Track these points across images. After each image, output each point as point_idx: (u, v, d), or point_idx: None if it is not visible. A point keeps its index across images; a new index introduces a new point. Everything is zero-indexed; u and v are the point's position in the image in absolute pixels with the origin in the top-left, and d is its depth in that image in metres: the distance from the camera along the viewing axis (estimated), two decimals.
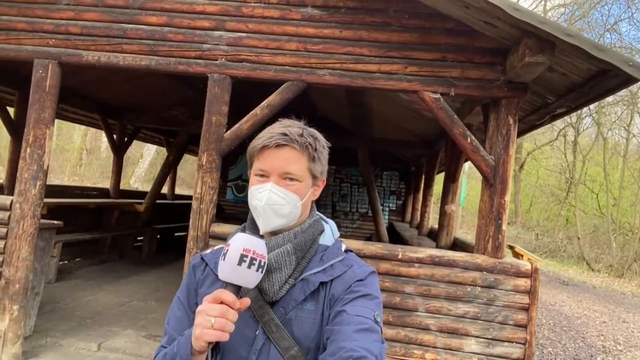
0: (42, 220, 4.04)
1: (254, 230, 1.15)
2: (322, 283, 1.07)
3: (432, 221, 11.82)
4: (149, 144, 21.65)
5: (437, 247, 5.71)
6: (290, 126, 1.11)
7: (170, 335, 1.10)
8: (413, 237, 7.83)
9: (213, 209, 3.75)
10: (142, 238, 9.17)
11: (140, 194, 10.52)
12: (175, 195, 12.26)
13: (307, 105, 8.47)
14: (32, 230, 3.84)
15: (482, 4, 3.00)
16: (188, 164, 23.09)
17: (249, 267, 0.94)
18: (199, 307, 0.94)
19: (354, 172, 13.29)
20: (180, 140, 9.12)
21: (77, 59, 3.85)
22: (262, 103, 3.72)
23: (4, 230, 3.85)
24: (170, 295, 6.21)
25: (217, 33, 3.76)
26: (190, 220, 3.74)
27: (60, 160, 23.44)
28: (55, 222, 4.41)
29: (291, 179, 1.09)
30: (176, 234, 10.91)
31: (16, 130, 6.42)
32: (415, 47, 3.58)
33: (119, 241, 8.57)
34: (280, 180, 1.09)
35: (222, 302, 0.92)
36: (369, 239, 11.63)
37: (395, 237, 8.68)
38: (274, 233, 1.12)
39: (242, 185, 13.19)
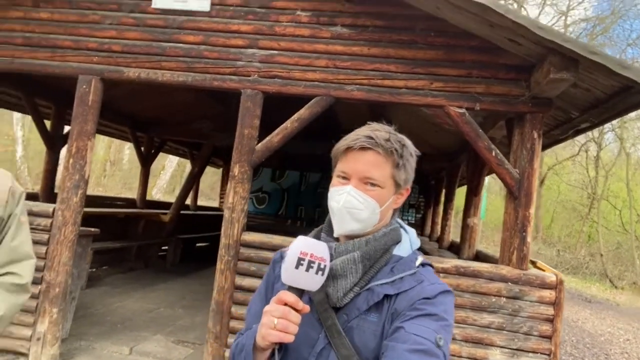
0: (81, 228, 4.24)
1: (330, 232, 1.13)
2: (387, 295, 1.03)
3: (452, 235, 11.84)
4: (170, 156, 22.13)
5: (459, 258, 5.75)
6: (377, 130, 1.08)
7: (248, 325, 1.15)
8: (433, 250, 7.86)
9: (244, 218, 3.90)
10: (166, 247, 9.38)
11: (163, 205, 10.78)
12: (197, 206, 12.50)
13: (330, 118, 8.65)
14: (72, 236, 4.04)
15: (507, 22, 3.12)
16: (207, 176, 23.47)
17: (307, 270, 0.94)
18: (266, 307, 0.96)
19: None
20: (204, 153, 9.36)
21: (118, 75, 4.08)
22: (293, 117, 3.88)
23: (46, 236, 4.05)
24: (195, 303, 6.37)
25: (250, 51, 3.95)
26: (222, 229, 3.89)
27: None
28: (92, 229, 4.61)
29: (372, 184, 1.06)
30: (197, 244, 11.11)
31: (52, 142, 6.72)
32: (441, 64, 3.71)
33: (145, 250, 8.79)
34: (360, 184, 1.06)
35: (285, 304, 0.93)
36: None
37: None
38: (350, 237, 1.09)
39: (262, 197, 13.37)
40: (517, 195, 3.60)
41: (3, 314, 1.49)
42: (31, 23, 4.23)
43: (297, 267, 0.94)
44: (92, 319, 5.22)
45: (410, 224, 10.38)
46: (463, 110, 3.66)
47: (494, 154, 3.62)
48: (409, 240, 1.13)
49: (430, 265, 1.12)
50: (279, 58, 3.92)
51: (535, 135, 3.60)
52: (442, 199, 10.86)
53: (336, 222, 1.08)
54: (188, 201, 11.63)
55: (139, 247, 8.65)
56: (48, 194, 6.70)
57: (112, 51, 4.10)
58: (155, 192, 23.75)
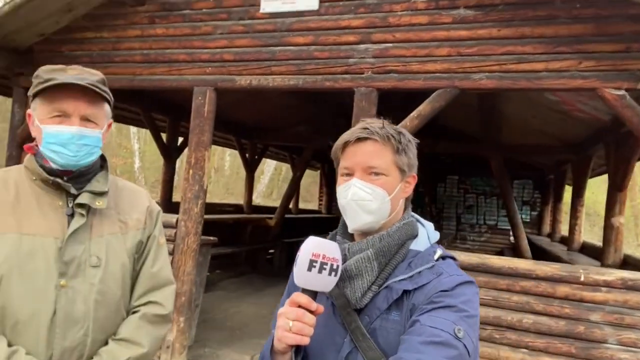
0: (201, 237, 4.31)
1: (345, 233, 1.12)
2: (406, 291, 0.99)
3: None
4: (268, 161, 22.86)
5: (603, 265, 4.99)
6: (371, 122, 1.08)
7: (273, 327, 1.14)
8: (561, 253, 7.00)
9: None
10: (272, 251, 9.53)
11: (266, 209, 11.01)
12: (299, 209, 12.63)
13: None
14: (195, 246, 4.11)
15: None
16: (303, 179, 23.85)
17: (319, 272, 0.92)
18: (280, 310, 0.95)
19: (479, 182, 12.52)
20: (306, 156, 9.35)
21: (231, 84, 4.06)
22: (412, 113, 3.55)
23: (171, 246, 4.16)
24: None
25: (362, 46, 3.70)
26: None
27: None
28: (212, 238, 4.69)
29: (376, 173, 1.04)
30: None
31: (168, 153, 7.09)
32: (591, 39, 3.14)
33: (253, 254, 8.99)
34: (365, 175, 1.05)
35: (299, 306, 0.92)
36: (500, 253, 10.76)
37: (536, 253, 7.86)
38: (365, 234, 1.07)
39: None
40: None
41: (147, 350, 1.37)
42: (148, 40, 4.38)
43: (309, 270, 0.92)
44: (213, 325, 5.34)
45: (524, 223, 9.48)
46: (622, 92, 3.06)
47: None
48: (427, 234, 1.10)
49: (452, 258, 1.07)
50: (394, 51, 3.62)
51: None
52: (564, 195, 9.77)
53: (348, 218, 1.06)
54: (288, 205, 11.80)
55: (248, 252, 8.86)
56: (167, 203, 7.07)
57: (224, 60, 4.09)
58: (256, 197, 24.71)
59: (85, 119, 1.32)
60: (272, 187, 27.90)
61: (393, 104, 4.18)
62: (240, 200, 20.64)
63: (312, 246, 0.93)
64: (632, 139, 4.49)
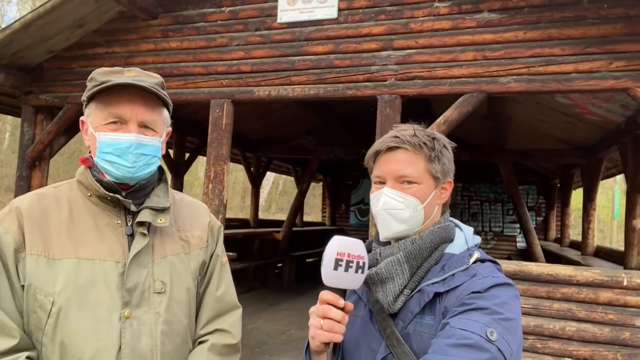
0: None
1: (379, 240, 1.11)
2: (438, 294, 0.97)
3: (573, 236, 10.56)
4: (267, 174, 22.77)
5: (626, 268, 4.92)
6: (403, 129, 1.07)
7: None
8: (578, 258, 6.93)
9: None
10: (280, 265, 9.39)
11: (271, 223, 10.88)
12: (304, 222, 12.51)
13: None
14: None
15: None
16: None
17: (345, 270, 0.92)
18: (312, 309, 0.95)
19: (483, 189, 12.48)
20: (312, 168, 9.27)
21: (249, 96, 3.99)
22: (439, 119, 3.49)
23: None
24: None
25: (384, 53, 3.65)
26: None
27: (190, 195, 25.56)
28: (231, 253, 4.57)
29: (409, 182, 1.03)
30: (307, 260, 11.05)
31: (176, 170, 6.98)
32: (621, 39, 3.11)
33: (262, 269, 8.85)
34: (396, 184, 1.04)
35: (328, 303, 0.92)
36: (507, 259, 10.69)
37: (550, 259, 7.79)
38: (399, 240, 1.05)
39: (365, 209, 13.05)
40: None
41: None
42: (162, 54, 4.31)
43: (335, 269, 0.92)
44: None
45: None
46: None
47: None
48: (464, 238, 1.07)
49: (493, 262, 1.03)
50: (418, 57, 3.57)
51: None
52: (571, 199, 9.75)
53: (380, 226, 1.06)
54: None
55: (256, 267, 8.72)
56: None
57: (242, 72, 4.02)
58: None
59: (144, 126, 1.19)
60: (270, 201, 27.75)
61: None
62: (238, 214, 20.49)
63: (337, 245, 0.94)
64: None
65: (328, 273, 0.94)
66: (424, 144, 1.03)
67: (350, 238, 0.96)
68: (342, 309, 0.93)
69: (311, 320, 0.95)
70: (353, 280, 0.94)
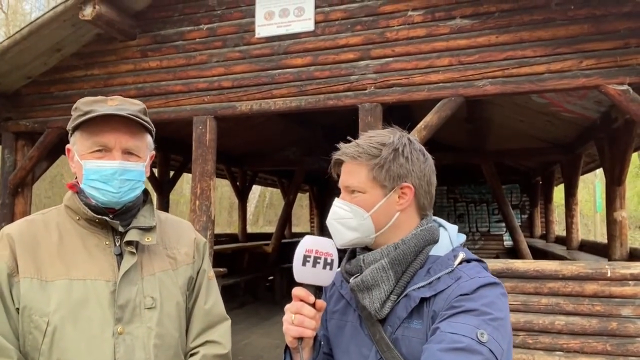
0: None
1: (365, 247, 1.10)
2: (425, 299, 0.97)
3: (558, 231, 10.73)
4: (253, 188, 22.71)
5: (610, 260, 5.03)
6: (349, 143, 1.09)
7: None
8: (564, 253, 7.06)
9: None
10: (271, 278, 9.34)
11: (260, 236, 10.84)
12: (292, 233, 12.49)
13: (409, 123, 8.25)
14: None
15: None
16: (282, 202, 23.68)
17: (313, 265, 0.95)
18: (287, 305, 0.97)
19: (468, 190, 12.63)
20: (297, 180, 9.29)
21: (231, 111, 4.01)
22: (419, 124, 3.56)
23: None
24: None
25: (363, 63, 3.71)
26: None
27: (176, 213, 25.36)
28: (221, 269, 4.55)
29: (353, 191, 1.05)
30: None
31: (161, 188, 6.94)
32: (589, 39, 3.22)
33: (252, 283, 8.80)
34: (346, 194, 1.07)
35: (300, 300, 0.95)
36: (496, 258, 10.82)
37: (536, 255, 7.91)
38: (367, 249, 1.07)
39: None
40: None
41: None
42: (142, 74, 4.32)
43: (304, 264, 0.95)
44: None
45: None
46: (625, 87, 3.13)
47: None
48: (449, 238, 1.06)
49: (478, 261, 1.03)
50: (395, 65, 3.64)
51: None
52: (554, 195, 9.94)
53: (333, 235, 1.07)
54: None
55: (247, 281, 8.67)
56: None
57: (223, 88, 4.05)
58: None
59: (127, 152, 1.24)
60: (257, 214, 27.60)
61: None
62: (226, 229, 20.34)
63: (307, 243, 0.97)
64: (626, 133, 4.59)
65: (297, 268, 0.97)
66: (366, 153, 1.03)
67: (322, 237, 0.99)
68: (313, 305, 0.95)
69: (284, 317, 0.97)
70: (321, 276, 0.97)
